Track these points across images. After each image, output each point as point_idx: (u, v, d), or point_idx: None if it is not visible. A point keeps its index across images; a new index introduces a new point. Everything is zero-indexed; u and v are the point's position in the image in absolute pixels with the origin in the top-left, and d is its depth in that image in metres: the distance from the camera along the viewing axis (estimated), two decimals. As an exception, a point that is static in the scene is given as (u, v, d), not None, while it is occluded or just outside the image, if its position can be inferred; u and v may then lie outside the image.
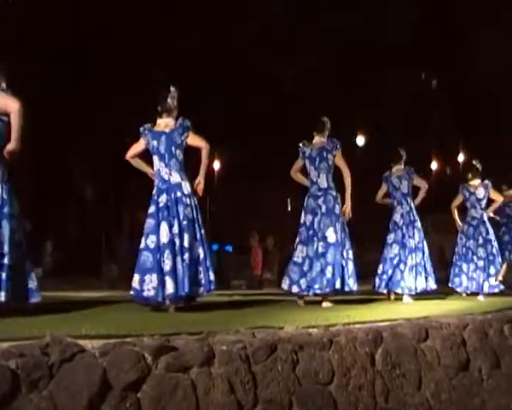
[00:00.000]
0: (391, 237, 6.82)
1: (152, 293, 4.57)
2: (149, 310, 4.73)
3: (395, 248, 6.74)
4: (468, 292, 7.47)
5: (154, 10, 16.33)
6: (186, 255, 4.67)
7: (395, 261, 6.71)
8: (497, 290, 7.35)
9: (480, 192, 7.53)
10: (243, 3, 17.13)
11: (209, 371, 2.80)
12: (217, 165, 21.45)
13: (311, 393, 3.10)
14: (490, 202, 7.75)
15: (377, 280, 6.81)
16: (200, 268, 4.74)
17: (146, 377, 2.63)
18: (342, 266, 5.66)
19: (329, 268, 5.58)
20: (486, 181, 7.62)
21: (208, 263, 4.82)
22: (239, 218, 19.41)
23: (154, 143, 4.94)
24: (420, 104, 20.80)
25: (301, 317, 4.25)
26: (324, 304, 5.64)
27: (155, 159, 4.96)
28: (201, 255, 4.77)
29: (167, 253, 4.64)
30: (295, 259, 5.75)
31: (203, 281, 4.74)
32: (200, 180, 5.02)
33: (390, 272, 6.69)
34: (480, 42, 17.91)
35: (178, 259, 4.66)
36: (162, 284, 4.58)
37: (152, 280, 4.58)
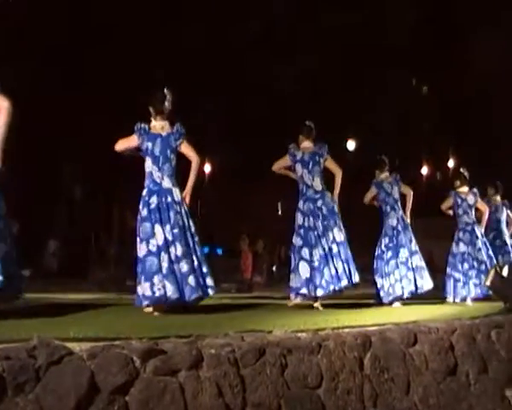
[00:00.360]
0: (393, 242, 6.82)
1: (162, 292, 4.60)
2: (137, 312, 4.71)
3: (405, 252, 6.78)
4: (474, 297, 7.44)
5: (148, 9, 16.29)
6: (181, 264, 4.68)
7: (409, 264, 6.76)
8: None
9: (471, 199, 7.64)
10: (242, 3, 17.14)
11: (197, 374, 2.79)
12: (208, 168, 21.44)
13: (299, 397, 3.10)
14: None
15: (398, 287, 6.69)
16: (197, 275, 4.73)
17: (134, 381, 2.61)
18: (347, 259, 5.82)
19: (345, 265, 5.73)
20: (475, 189, 7.73)
21: (205, 269, 4.83)
22: (229, 221, 19.41)
23: (149, 144, 4.91)
24: (412, 110, 20.92)
25: (290, 321, 4.25)
26: (316, 304, 5.68)
27: (148, 160, 4.93)
28: (196, 262, 4.77)
29: (163, 255, 4.67)
30: (313, 264, 5.72)
31: (201, 287, 4.74)
32: (187, 195, 5.02)
33: (410, 275, 6.73)
34: (474, 48, 18.04)
35: (176, 266, 4.67)
36: (164, 284, 4.62)
37: (160, 280, 4.61)
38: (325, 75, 18.17)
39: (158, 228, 4.73)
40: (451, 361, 3.98)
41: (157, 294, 4.61)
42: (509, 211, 8.81)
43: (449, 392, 3.85)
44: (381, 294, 6.73)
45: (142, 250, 4.73)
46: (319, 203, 5.86)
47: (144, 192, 4.90)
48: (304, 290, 5.74)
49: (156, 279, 4.61)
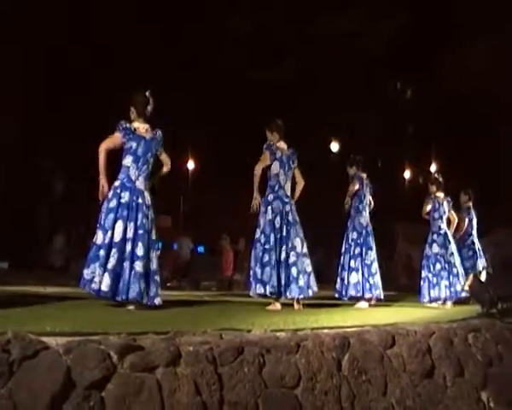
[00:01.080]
0: (360, 239, 6.82)
1: (97, 286, 4.61)
2: (115, 307, 4.69)
3: (371, 255, 6.86)
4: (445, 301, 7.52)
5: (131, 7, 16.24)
6: (138, 263, 4.70)
7: (372, 269, 6.80)
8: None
9: (445, 205, 7.81)
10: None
11: (175, 371, 2.77)
12: (191, 165, 21.37)
13: (276, 396, 3.10)
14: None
15: (367, 286, 6.73)
16: (149, 280, 4.76)
17: (111, 376, 2.58)
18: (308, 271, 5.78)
19: (300, 276, 5.69)
20: (449, 198, 7.90)
21: (158, 278, 4.87)
22: (212, 219, 19.37)
23: (133, 144, 4.97)
24: (396, 113, 21.08)
25: (270, 320, 4.25)
26: (296, 306, 5.68)
27: (128, 157, 4.96)
28: (151, 269, 4.80)
29: (114, 251, 4.67)
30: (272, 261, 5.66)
31: (150, 293, 4.76)
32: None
33: (376, 278, 6.81)
34: (458, 53, 18.22)
35: (126, 264, 4.69)
36: (102, 278, 4.63)
37: (100, 274, 4.62)
38: (310, 78, 18.25)
39: (120, 224, 4.75)
40: (429, 364, 4.01)
41: (93, 286, 4.61)
42: None
43: (426, 394, 3.87)
44: (343, 288, 6.71)
45: (98, 237, 4.74)
46: (287, 208, 5.82)
47: (117, 183, 4.91)
48: (272, 290, 5.64)
49: (98, 271, 4.62)
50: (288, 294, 5.67)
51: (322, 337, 3.51)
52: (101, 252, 4.67)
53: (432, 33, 19.62)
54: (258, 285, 5.62)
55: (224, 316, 4.70)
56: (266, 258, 5.65)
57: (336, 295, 6.82)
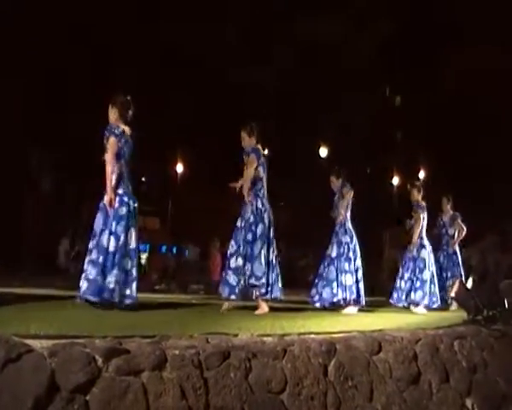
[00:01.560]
0: (351, 244, 6.79)
1: (119, 293, 4.69)
2: (102, 310, 4.65)
3: (358, 262, 6.84)
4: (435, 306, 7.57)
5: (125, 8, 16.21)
6: (134, 269, 4.86)
7: (357, 277, 6.79)
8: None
9: (426, 213, 7.83)
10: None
11: (161, 375, 2.76)
12: (180, 168, 21.32)
13: (262, 401, 3.09)
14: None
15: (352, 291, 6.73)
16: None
17: (96, 380, 2.57)
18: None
19: (279, 277, 5.76)
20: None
21: None
22: (202, 221, 19.32)
23: (125, 148, 4.97)
24: (384, 121, 21.18)
25: (257, 324, 4.24)
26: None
27: (121, 161, 4.95)
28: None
29: (134, 259, 4.81)
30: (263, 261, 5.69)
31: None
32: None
33: (360, 286, 6.81)
34: (448, 62, 18.33)
35: (135, 270, 4.84)
36: (122, 284, 4.70)
37: (118, 281, 4.68)
38: (300, 81, 18.30)
39: (133, 232, 4.84)
40: (414, 370, 4.02)
41: (114, 293, 4.66)
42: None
43: (411, 401, 3.88)
44: (339, 291, 6.62)
45: (110, 244, 4.72)
46: (270, 213, 5.79)
47: (120, 191, 4.89)
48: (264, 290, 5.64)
49: (116, 278, 4.65)
50: (272, 294, 5.67)
51: (308, 343, 3.51)
52: (117, 259, 4.70)
53: (424, 39, 19.72)
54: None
55: (210, 320, 4.69)
56: (256, 253, 5.62)
57: (334, 300, 6.67)
